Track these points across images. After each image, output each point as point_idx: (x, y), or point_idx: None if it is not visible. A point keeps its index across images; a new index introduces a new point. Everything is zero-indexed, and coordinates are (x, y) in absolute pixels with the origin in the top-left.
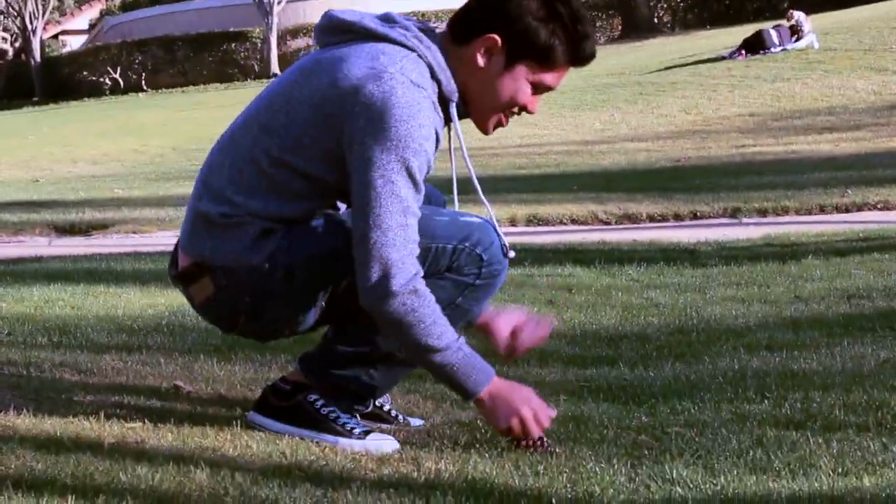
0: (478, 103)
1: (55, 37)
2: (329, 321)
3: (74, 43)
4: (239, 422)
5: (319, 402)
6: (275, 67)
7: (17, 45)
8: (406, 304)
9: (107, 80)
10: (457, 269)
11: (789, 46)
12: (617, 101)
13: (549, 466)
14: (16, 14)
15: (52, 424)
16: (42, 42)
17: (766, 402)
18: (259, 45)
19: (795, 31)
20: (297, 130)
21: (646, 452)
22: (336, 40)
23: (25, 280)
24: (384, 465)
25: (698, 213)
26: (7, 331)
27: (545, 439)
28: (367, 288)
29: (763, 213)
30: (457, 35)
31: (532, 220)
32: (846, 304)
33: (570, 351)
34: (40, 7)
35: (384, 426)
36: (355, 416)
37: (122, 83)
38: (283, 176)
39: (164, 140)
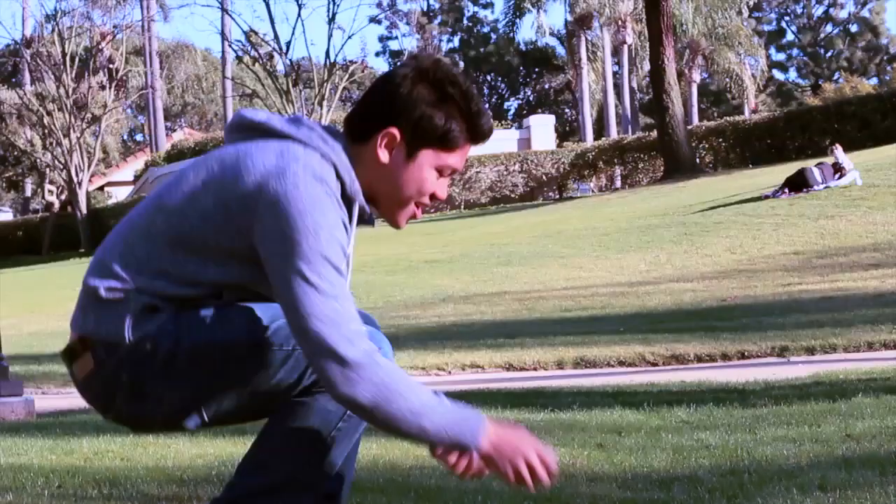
0: (386, 199)
1: (101, 188)
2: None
3: (120, 194)
4: None
5: None
6: None
7: (63, 197)
8: (372, 382)
9: None
10: None
11: (832, 184)
12: (661, 241)
13: None
14: (62, 167)
15: None
16: (88, 194)
17: None
18: None
19: (838, 169)
20: (198, 222)
21: None
22: (242, 137)
23: (74, 432)
24: None
25: (746, 353)
26: (57, 483)
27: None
28: (329, 382)
29: (811, 351)
30: (355, 134)
31: (580, 363)
32: None
33: (622, 495)
34: (86, 159)
35: None
36: None
37: None
38: (176, 257)
39: None
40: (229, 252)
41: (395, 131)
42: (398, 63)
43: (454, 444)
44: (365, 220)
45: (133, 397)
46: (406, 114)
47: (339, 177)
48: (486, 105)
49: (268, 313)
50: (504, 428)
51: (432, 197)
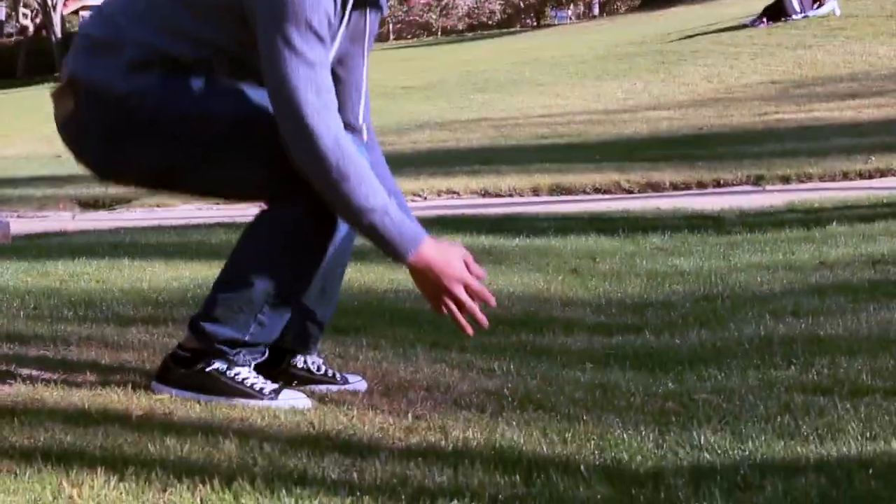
0: None
1: (75, 12)
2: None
3: None
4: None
5: (223, 367)
6: None
7: (37, 20)
8: (329, 159)
9: None
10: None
11: (811, 13)
12: (639, 70)
13: (576, 434)
14: None
15: (79, 397)
16: (63, 18)
17: (792, 368)
18: None
19: None
20: None
21: (673, 419)
22: None
23: (50, 255)
24: (412, 434)
25: (721, 181)
26: (33, 305)
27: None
28: (289, 143)
29: (786, 180)
30: None
31: (555, 190)
32: (871, 269)
33: (596, 319)
34: None
35: (321, 388)
36: (260, 375)
37: None
38: (175, 10)
39: None
40: (227, 7)
41: None
42: None
43: (388, 248)
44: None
45: (107, 147)
46: None
47: None
48: None
49: (256, 98)
50: (442, 257)
51: None
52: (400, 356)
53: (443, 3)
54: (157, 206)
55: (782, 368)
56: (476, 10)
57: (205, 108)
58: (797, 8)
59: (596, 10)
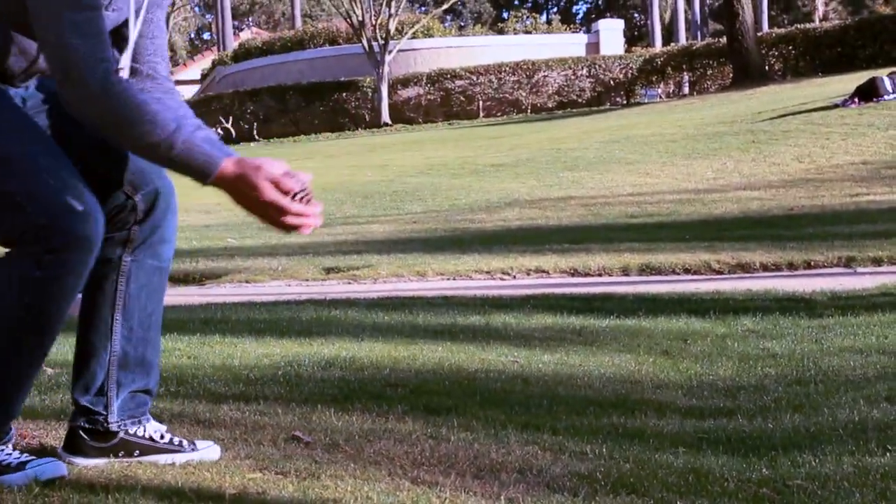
0: None
1: None
2: None
3: (187, 93)
4: (358, 472)
5: None
6: (385, 117)
7: None
8: (100, 104)
9: (219, 130)
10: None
11: None
12: (729, 149)
13: None
14: None
15: (172, 475)
16: None
17: (888, 455)
18: (370, 94)
19: None
20: None
21: None
22: None
23: None
24: None
25: (812, 263)
26: None
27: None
28: (66, 101)
29: (878, 262)
30: None
31: (645, 269)
32: None
33: (688, 402)
34: None
35: (165, 458)
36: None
37: (234, 133)
38: None
39: None
40: None
41: None
42: None
43: (195, 165)
44: None
45: None
46: None
47: None
48: (555, 9)
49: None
50: (248, 182)
51: None
52: (491, 437)
53: (533, 80)
54: (247, 281)
55: (878, 455)
56: (566, 88)
57: None
58: (889, 88)
59: (686, 89)
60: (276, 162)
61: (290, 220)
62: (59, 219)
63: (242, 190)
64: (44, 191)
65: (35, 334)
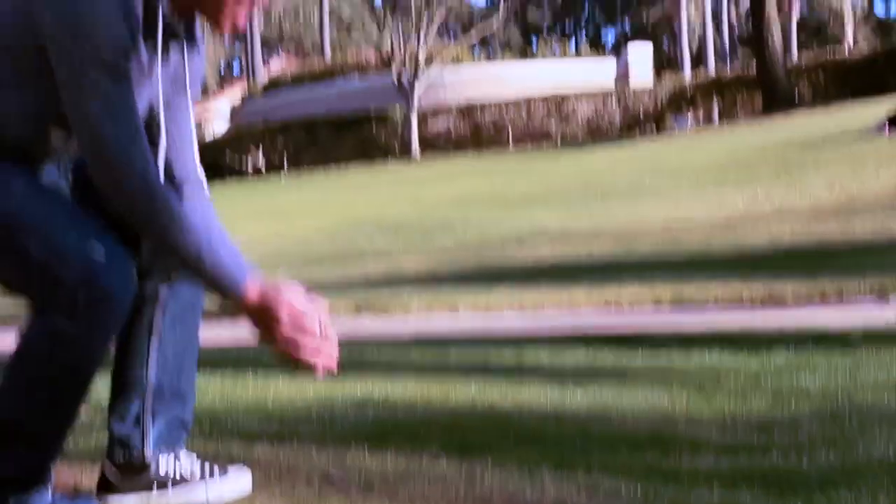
0: None
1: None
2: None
3: (218, 126)
4: None
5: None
6: (415, 148)
7: None
8: (136, 197)
9: (249, 163)
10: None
11: None
12: (760, 177)
13: None
14: None
15: None
16: None
17: None
18: (399, 125)
19: None
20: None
21: None
22: None
23: None
24: None
25: (844, 293)
26: None
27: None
28: (98, 180)
29: None
30: None
31: (677, 301)
32: None
33: (722, 439)
34: None
35: (201, 493)
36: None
37: (264, 165)
38: None
39: (308, 222)
40: (28, 63)
41: None
42: None
43: (220, 285)
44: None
45: None
46: None
47: None
48: (584, 36)
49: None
50: (276, 288)
51: None
52: (526, 477)
53: (563, 111)
54: None
55: None
56: (596, 118)
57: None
58: None
59: (716, 117)
60: (296, 290)
61: (305, 356)
62: (89, 275)
63: (263, 320)
64: (72, 249)
65: (72, 386)
